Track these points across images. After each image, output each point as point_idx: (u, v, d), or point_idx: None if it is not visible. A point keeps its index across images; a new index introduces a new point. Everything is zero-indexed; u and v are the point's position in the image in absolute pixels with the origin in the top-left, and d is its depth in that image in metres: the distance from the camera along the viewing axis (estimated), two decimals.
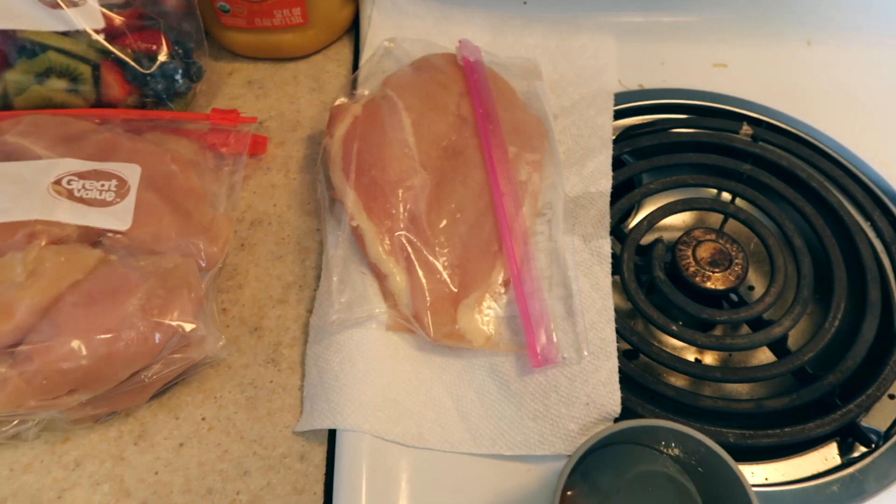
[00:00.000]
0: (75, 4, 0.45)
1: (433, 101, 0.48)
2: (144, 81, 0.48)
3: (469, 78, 0.50)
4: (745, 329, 0.44)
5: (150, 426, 0.41)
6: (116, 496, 0.38)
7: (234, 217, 0.46)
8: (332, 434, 0.41)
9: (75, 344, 0.35)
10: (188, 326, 0.37)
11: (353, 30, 0.60)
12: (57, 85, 0.47)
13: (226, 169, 0.47)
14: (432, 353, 0.42)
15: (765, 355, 0.44)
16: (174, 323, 0.37)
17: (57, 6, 0.45)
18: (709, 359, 0.44)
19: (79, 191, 0.41)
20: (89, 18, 0.46)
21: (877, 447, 0.38)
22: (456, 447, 0.39)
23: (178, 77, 0.49)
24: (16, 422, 0.38)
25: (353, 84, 0.53)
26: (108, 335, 0.35)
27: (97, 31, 0.46)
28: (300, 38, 0.55)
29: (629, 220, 0.48)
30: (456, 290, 0.42)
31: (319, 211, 0.49)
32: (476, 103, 0.48)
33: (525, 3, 0.58)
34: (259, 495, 0.39)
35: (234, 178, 0.47)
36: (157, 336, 0.36)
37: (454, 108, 0.48)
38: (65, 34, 0.46)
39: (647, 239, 0.46)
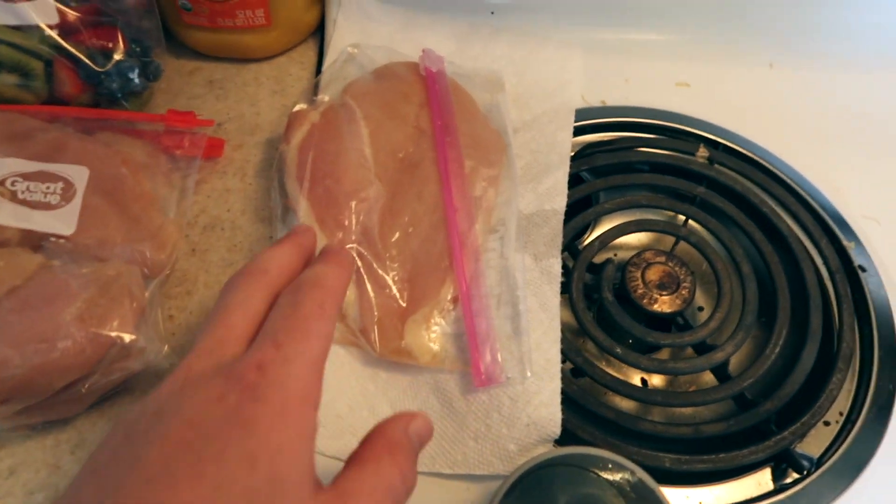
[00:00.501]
0: None
1: (392, 111, 0.48)
2: (98, 79, 0.47)
3: (430, 89, 0.50)
4: (690, 352, 0.44)
5: (88, 435, 0.40)
6: None
7: (185, 223, 0.45)
8: None
9: (8, 352, 0.34)
10: (127, 337, 0.37)
11: (319, 32, 0.59)
12: (7, 80, 0.46)
13: (178, 173, 0.46)
14: (378, 368, 0.42)
15: (710, 378, 0.44)
16: (113, 334, 0.36)
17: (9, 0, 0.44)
18: (656, 380, 0.45)
19: (22, 192, 0.40)
20: (42, 13, 0.45)
21: (809, 473, 0.39)
22: None
23: (133, 76, 0.48)
24: None
25: (315, 89, 0.53)
26: (43, 344, 0.35)
27: (51, 27, 0.45)
28: (263, 39, 0.55)
29: (583, 237, 0.49)
30: (405, 306, 0.42)
31: (274, 218, 0.49)
32: (435, 115, 0.48)
33: (493, 13, 0.58)
34: None
35: (186, 183, 0.46)
36: (94, 348, 0.36)
37: (413, 119, 0.48)
38: (16, 28, 0.45)
39: (599, 258, 0.46)
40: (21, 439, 0.40)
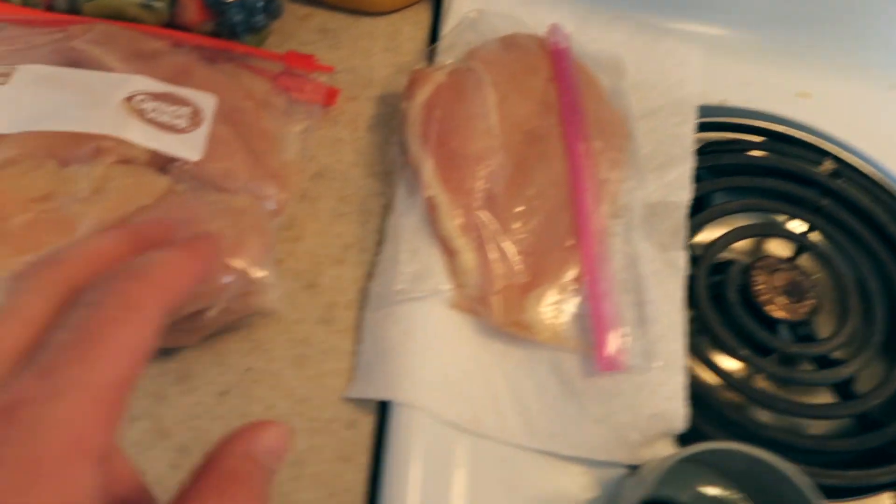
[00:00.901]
0: None
1: (519, 83, 0.47)
2: (223, 9, 0.45)
3: (558, 64, 0.48)
4: (806, 365, 0.43)
5: (193, 369, 0.38)
6: (154, 435, 0.36)
7: (302, 167, 0.44)
8: (381, 405, 0.39)
9: None
10: (257, 272, 0.35)
11: None
12: None
13: (297, 116, 0.45)
14: (493, 339, 0.40)
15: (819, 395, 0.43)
16: (243, 267, 0.35)
17: None
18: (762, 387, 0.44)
19: (150, 112, 0.38)
20: None
21: None
22: (511, 438, 0.38)
23: (258, 10, 0.46)
24: None
25: (433, 51, 0.51)
26: None
27: None
28: None
29: (697, 234, 0.47)
30: (526, 280, 0.41)
31: (386, 174, 0.47)
32: (563, 92, 0.47)
33: None
34: (303, 458, 0.37)
35: (305, 127, 0.45)
36: (226, 277, 0.34)
37: (540, 94, 0.47)
38: None
39: (719, 258, 0.45)
40: None
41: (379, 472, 0.37)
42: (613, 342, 0.39)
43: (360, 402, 0.39)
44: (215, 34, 0.47)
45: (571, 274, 0.41)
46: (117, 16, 0.44)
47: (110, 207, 0.34)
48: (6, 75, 0.38)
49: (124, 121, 0.37)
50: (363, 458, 0.37)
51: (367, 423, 0.38)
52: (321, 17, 0.54)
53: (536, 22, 0.52)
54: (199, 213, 0.35)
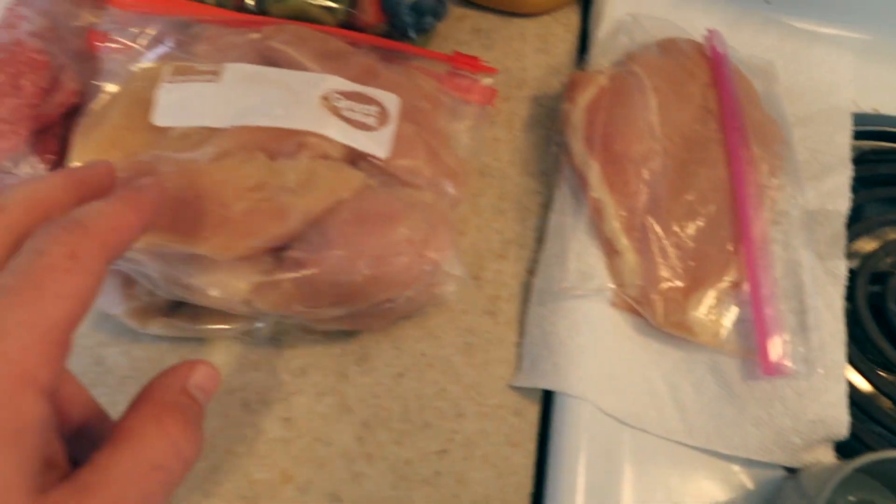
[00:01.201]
0: None
1: (679, 88, 0.48)
2: (397, 11, 0.48)
3: (716, 70, 0.49)
4: None
5: (371, 351, 0.42)
6: (339, 410, 0.40)
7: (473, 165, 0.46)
8: (545, 394, 0.41)
9: (350, 259, 0.36)
10: (446, 263, 0.38)
11: None
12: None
13: (462, 115, 0.47)
14: (650, 337, 0.42)
15: None
16: (436, 258, 0.37)
17: None
18: None
19: (345, 110, 0.41)
20: None
21: None
22: (670, 434, 0.39)
23: (427, 12, 0.49)
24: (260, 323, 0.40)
25: (586, 53, 0.53)
26: (381, 257, 0.36)
27: None
28: None
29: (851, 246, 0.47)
30: (687, 282, 0.42)
31: (542, 173, 0.49)
32: (723, 97, 0.47)
33: (768, 2, 0.56)
34: (473, 439, 0.39)
35: (469, 126, 0.47)
36: (423, 267, 0.37)
37: (699, 99, 0.48)
38: None
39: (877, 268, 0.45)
40: (311, 343, 0.41)
41: (545, 458, 0.39)
42: (776, 347, 0.40)
43: (525, 392, 0.41)
44: (387, 35, 0.49)
45: (732, 278, 0.42)
46: (301, 16, 0.48)
47: (317, 199, 0.37)
48: (217, 73, 0.41)
49: (324, 118, 0.40)
50: (530, 445, 0.40)
51: (532, 411, 0.41)
52: (474, 18, 0.56)
53: (688, 25, 0.52)
54: (395, 207, 0.38)
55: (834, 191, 0.46)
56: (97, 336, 0.41)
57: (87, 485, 0.20)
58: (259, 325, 0.40)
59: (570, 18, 0.57)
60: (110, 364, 0.40)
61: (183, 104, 0.40)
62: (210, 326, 0.40)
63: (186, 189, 0.37)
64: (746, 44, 0.55)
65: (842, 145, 0.49)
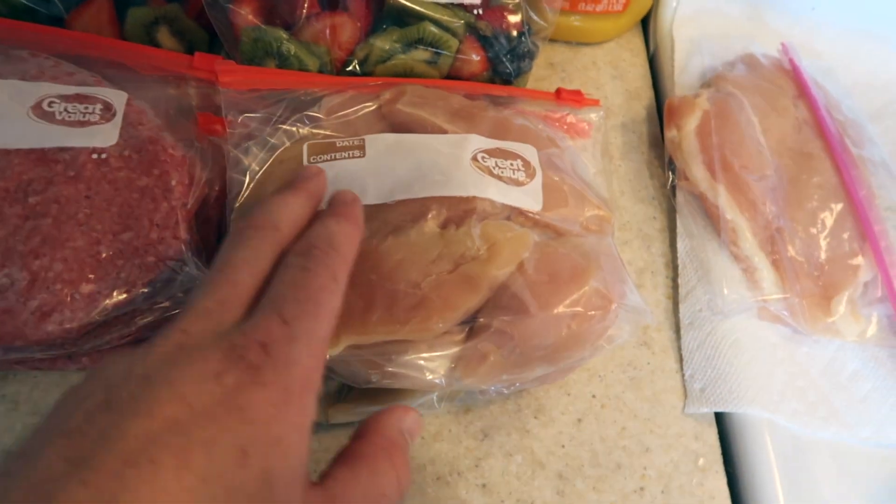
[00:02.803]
0: None
1: (774, 102, 0.50)
2: (500, 59, 0.49)
3: (800, 80, 0.52)
4: None
5: (544, 401, 0.42)
6: (531, 467, 0.40)
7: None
8: (718, 416, 0.43)
9: (554, 320, 0.36)
10: (636, 308, 0.39)
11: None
12: (421, 56, 0.47)
13: (584, 152, 0.48)
14: (800, 343, 0.45)
15: None
16: (625, 303, 0.38)
17: None
18: None
19: (494, 168, 0.41)
20: None
21: None
22: (841, 431, 0.42)
23: (524, 56, 0.50)
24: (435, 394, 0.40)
25: (654, 76, 0.54)
26: (579, 313, 0.37)
27: (467, 7, 0.47)
28: (609, 24, 0.56)
29: None
30: (825, 286, 0.45)
31: (651, 199, 0.51)
32: (814, 106, 0.50)
33: (813, 9, 0.59)
34: (665, 471, 0.41)
35: (600, 162, 0.48)
36: (615, 315, 0.38)
37: (792, 111, 0.50)
38: (444, 5, 0.46)
39: None
40: (484, 403, 0.42)
41: (736, 478, 0.41)
42: None
43: (697, 416, 0.43)
44: (491, 81, 0.50)
45: (866, 277, 0.45)
46: (406, 73, 0.48)
47: (503, 263, 0.38)
48: (360, 148, 0.41)
49: (482, 180, 0.40)
50: (717, 467, 0.41)
51: (710, 433, 0.42)
52: (545, 52, 0.57)
53: (747, 38, 0.55)
54: (576, 261, 0.39)
55: None
56: None
57: (334, 496, 0.23)
58: (433, 395, 0.40)
59: (634, 43, 0.59)
60: None
61: (336, 184, 0.40)
62: (390, 405, 0.40)
63: (369, 273, 0.36)
64: (801, 50, 0.58)
65: None
